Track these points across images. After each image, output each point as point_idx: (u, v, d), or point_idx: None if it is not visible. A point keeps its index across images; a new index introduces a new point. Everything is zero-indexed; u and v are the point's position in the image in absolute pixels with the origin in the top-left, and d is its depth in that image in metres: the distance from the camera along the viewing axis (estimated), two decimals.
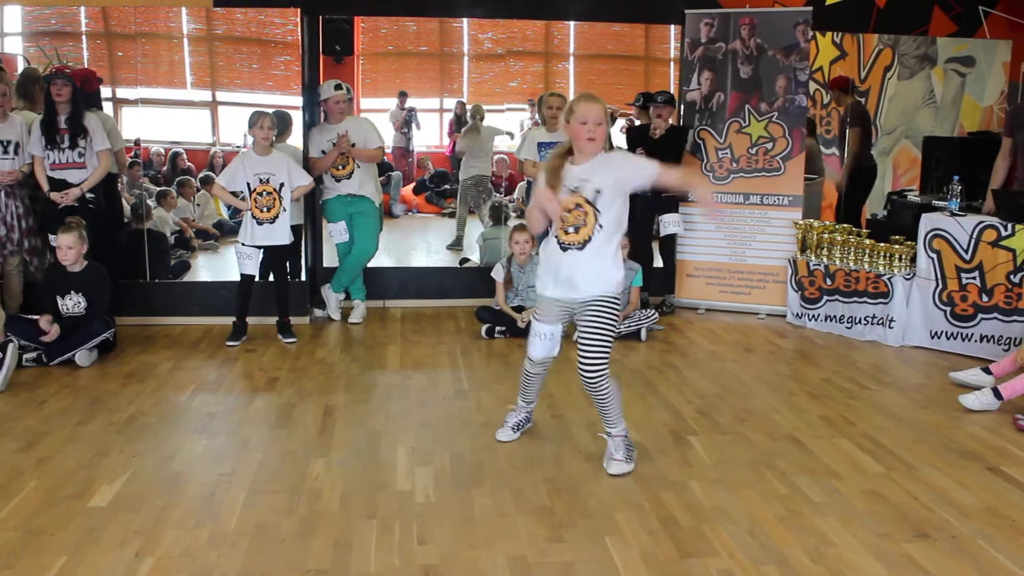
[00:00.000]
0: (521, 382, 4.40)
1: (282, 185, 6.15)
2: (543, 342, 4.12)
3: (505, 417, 4.51)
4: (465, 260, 8.02)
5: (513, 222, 7.59)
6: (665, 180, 3.84)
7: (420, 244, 8.83)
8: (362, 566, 3.19)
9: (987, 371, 5.24)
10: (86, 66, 6.81)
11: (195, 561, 3.20)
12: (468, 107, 8.46)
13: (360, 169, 6.71)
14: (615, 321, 3.93)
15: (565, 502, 3.71)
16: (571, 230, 3.84)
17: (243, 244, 6.21)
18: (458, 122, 8.85)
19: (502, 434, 4.43)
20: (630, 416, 4.59)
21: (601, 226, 3.81)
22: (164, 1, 6.84)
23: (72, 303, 5.69)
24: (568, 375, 5.46)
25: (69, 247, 5.63)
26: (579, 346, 3.91)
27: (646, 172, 3.82)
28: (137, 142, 7.11)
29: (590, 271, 3.86)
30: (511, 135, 8.30)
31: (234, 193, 6.16)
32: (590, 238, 3.83)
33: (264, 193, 6.12)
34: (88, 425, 4.57)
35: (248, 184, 6.12)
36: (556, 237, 3.90)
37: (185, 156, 7.92)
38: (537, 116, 7.81)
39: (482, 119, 8.23)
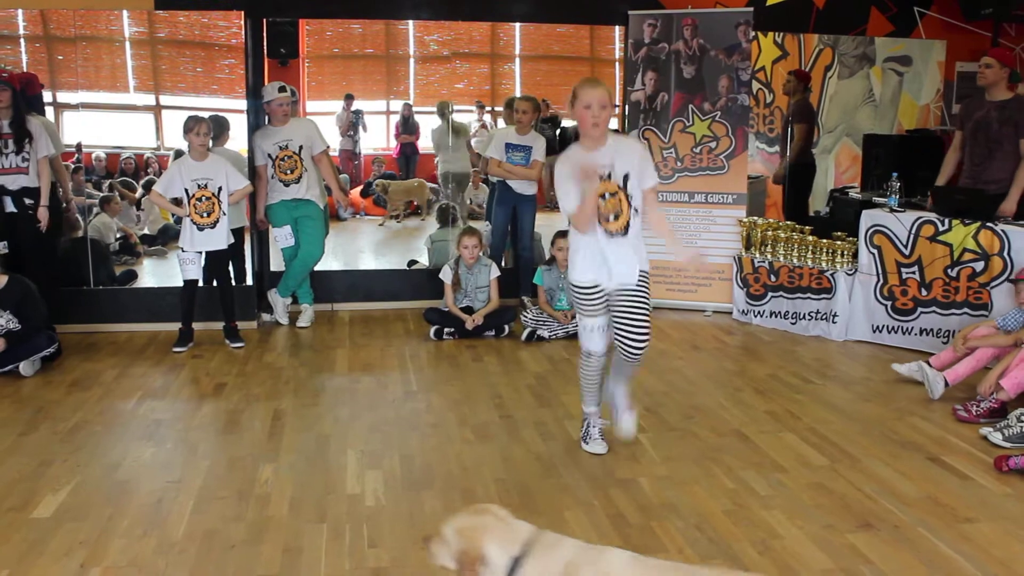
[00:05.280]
0: (583, 386, 4.28)
1: (220, 189, 6.09)
2: (601, 334, 4.11)
3: (584, 432, 4.35)
4: (413, 262, 8.01)
5: (461, 224, 7.58)
6: (650, 203, 3.97)
7: (368, 247, 8.80)
8: (312, 570, 3.18)
9: (929, 364, 5.34)
10: (25, 70, 6.69)
11: (142, 571, 3.17)
12: (414, 108, 8.47)
13: (308, 172, 6.65)
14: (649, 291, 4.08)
15: (515, 502, 3.72)
16: (611, 218, 3.88)
17: (184, 250, 6.16)
18: (405, 123, 8.84)
19: (596, 447, 4.28)
20: (578, 415, 4.63)
21: (636, 210, 3.90)
22: (104, 4, 6.74)
23: (4, 320, 5.54)
24: (515, 375, 5.49)
25: None
26: (629, 326, 3.97)
27: (648, 181, 3.91)
28: (79, 147, 7.00)
29: (633, 257, 3.94)
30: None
31: (174, 200, 6.10)
32: (628, 223, 3.89)
33: (203, 198, 6.06)
34: (31, 435, 4.50)
35: (186, 190, 6.06)
36: (601, 227, 3.90)
37: (134, 160, 7.83)
38: (484, 119, 7.82)
39: (452, 114, 8.17)
